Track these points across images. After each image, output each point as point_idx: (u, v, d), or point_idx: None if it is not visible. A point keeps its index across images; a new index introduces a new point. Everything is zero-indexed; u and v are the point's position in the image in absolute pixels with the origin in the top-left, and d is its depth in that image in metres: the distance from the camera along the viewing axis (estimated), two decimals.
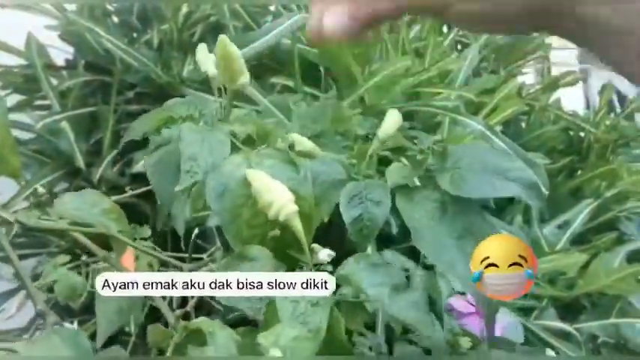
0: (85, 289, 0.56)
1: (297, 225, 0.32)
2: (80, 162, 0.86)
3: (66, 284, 0.56)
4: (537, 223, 0.91)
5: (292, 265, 0.33)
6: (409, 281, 0.38)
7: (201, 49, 0.43)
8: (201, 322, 0.31)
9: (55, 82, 0.91)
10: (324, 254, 0.33)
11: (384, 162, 0.41)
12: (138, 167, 0.77)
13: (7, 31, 0.88)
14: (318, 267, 0.33)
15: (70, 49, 0.95)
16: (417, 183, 0.38)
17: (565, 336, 0.80)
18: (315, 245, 0.34)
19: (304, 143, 0.39)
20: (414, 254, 0.57)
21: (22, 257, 0.58)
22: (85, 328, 0.78)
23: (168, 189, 0.36)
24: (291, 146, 0.38)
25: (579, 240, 0.94)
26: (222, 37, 0.35)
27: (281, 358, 0.26)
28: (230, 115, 0.40)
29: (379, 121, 0.44)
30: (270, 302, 0.31)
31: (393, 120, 0.41)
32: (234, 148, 0.36)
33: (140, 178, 0.80)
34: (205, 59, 0.42)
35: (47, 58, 0.93)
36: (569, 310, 0.87)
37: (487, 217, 0.36)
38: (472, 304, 0.30)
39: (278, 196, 0.32)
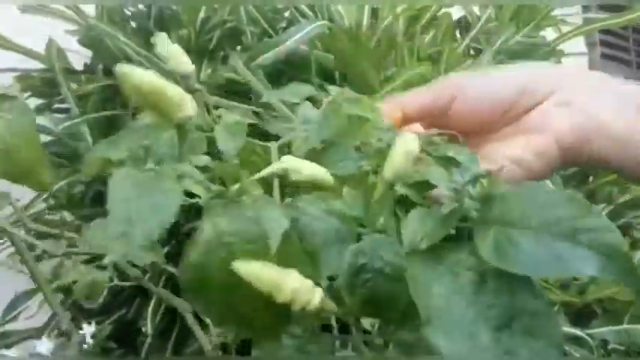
0: (105, 285, 0.56)
1: (333, 308, 0.27)
2: None
3: (85, 282, 0.56)
4: None
5: None
6: None
7: (162, 38, 0.35)
8: None
9: (74, 86, 0.92)
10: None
11: (403, 204, 0.29)
12: None
13: (27, 36, 0.90)
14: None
15: (89, 54, 0.97)
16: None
17: (576, 341, 0.81)
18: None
19: (304, 169, 0.28)
20: None
21: (41, 257, 0.59)
22: (102, 328, 0.79)
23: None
24: (283, 176, 0.28)
25: None
26: (121, 68, 0.27)
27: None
28: (186, 152, 0.30)
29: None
30: None
31: (402, 150, 0.27)
32: (205, 190, 0.27)
33: None
34: (173, 51, 0.35)
35: (66, 62, 0.95)
36: (580, 315, 0.87)
37: (544, 298, 0.24)
38: None
39: (297, 290, 0.25)
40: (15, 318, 0.77)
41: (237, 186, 0.27)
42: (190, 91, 0.33)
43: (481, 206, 0.26)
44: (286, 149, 0.34)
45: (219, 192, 0.27)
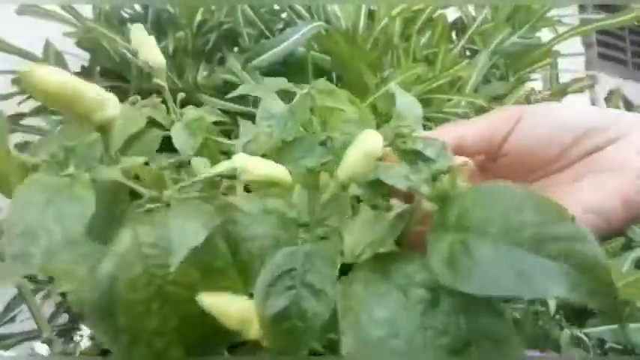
0: None
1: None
2: None
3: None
4: None
5: None
6: None
7: (137, 29, 0.33)
8: None
9: None
10: None
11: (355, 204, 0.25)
12: None
13: (25, 38, 0.90)
14: None
15: (86, 56, 0.97)
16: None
17: (574, 340, 0.81)
18: None
19: (258, 169, 0.25)
20: None
21: None
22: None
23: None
24: (233, 176, 0.25)
25: None
26: (27, 68, 0.24)
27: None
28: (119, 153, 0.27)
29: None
30: None
31: (362, 149, 0.24)
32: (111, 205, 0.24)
33: None
34: (143, 42, 0.33)
35: (64, 64, 0.95)
36: (577, 315, 0.87)
37: (506, 318, 0.20)
38: None
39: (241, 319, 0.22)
40: (12, 320, 0.77)
41: (169, 191, 0.24)
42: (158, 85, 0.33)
43: (439, 208, 0.22)
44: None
45: (150, 197, 0.24)
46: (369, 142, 0.24)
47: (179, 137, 0.31)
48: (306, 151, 0.28)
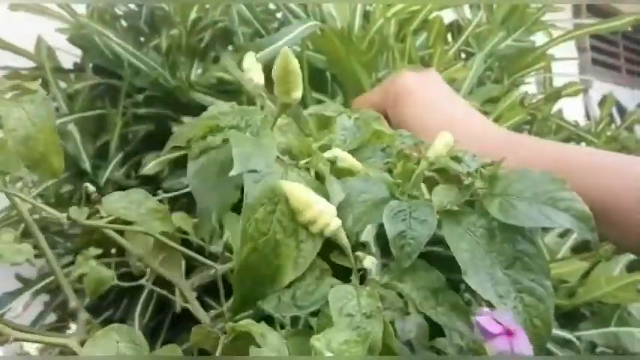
0: (111, 282, 0.56)
1: (343, 238, 0.32)
2: (86, 164, 0.87)
3: (95, 277, 0.55)
4: (539, 231, 0.92)
5: (338, 272, 0.33)
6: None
7: (249, 56, 0.42)
8: (249, 324, 0.30)
9: (63, 84, 0.92)
10: (369, 262, 0.33)
11: (428, 183, 0.38)
12: (147, 170, 0.77)
13: (17, 34, 0.89)
14: (363, 273, 0.33)
15: (79, 53, 0.96)
16: (463, 208, 0.36)
17: (565, 343, 0.81)
18: (360, 253, 0.34)
19: (347, 159, 0.38)
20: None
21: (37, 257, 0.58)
22: (90, 328, 0.79)
23: (208, 196, 0.35)
24: (333, 162, 0.37)
25: (580, 248, 0.95)
26: (285, 50, 0.34)
27: (334, 358, 0.27)
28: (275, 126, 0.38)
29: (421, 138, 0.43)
30: (323, 308, 0.31)
31: (444, 141, 0.39)
32: (277, 160, 0.34)
33: (148, 181, 0.81)
34: (254, 67, 0.42)
35: (56, 61, 0.94)
36: (569, 317, 0.87)
37: (536, 244, 0.34)
38: (500, 324, 0.30)
39: (322, 211, 0.31)
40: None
41: (306, 160, 0.36)
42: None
43: (487, 184, 0.36)
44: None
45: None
46: (447, 138, 0.39)
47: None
48: (371, 154, 0.41)
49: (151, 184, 0.81)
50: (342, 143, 0.42)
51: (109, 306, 0.81)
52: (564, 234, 0.94)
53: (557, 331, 0.82)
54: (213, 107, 0.39)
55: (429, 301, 0.32)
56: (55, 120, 0.37)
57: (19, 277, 0.82)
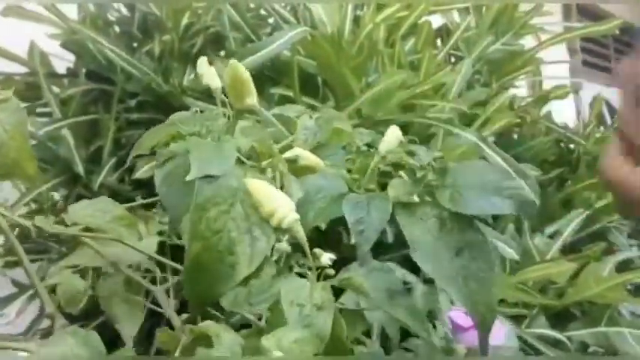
0: (87, 293, 0.56)
1: (300, 232, 0.33)
2: (80, 168, 0.87)
3: (68, 288, 0.56)
4: (529, 232, 0.93)
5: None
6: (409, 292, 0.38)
7: (202, 62, 0.44)
8: (207, 325, 0.32)
9: (56, 89, 0.92)
10: (326, 258, 0.35)
11: (384, 176, 0.42)
12: (140, 174, 0.78)
13: (10, 39, 0.90)
14: (320, 270, 0.34)
15: (72, 58, 0.97)
16: (417, 199, 0.39)
17: (556, 344, 0.82)
18: (317, 250, 0.35)
19: (309, 157, 0.40)
20: (412, 265, 0.58)
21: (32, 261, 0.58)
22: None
23: (177, 201, 0.36)
24: (295, 161, 0.39)
25: (569, 249, 0.96)
26: (233, 62, 0.36)
27: (282, 358, 0.28)
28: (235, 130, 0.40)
29: (377, 133, 0.44)
30: (275, 305, 0.32)
31: (394, 135, 0.42)
32: (238, 162, 0.35)
33: (141, 185, 0.82)
34: (207, 72, 0.43)
35: (49, 66, 0.95)
36: (559, 318, 0.88)
37: (484, 232, 0.36)
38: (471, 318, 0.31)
39: (280, 205, 0.33)
40: None
41: (267, 161, 0.37)
42: None
43: (439, 176, 0.39)
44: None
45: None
46: (397, 131, 0.42)
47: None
48: (332, 152, 0.44)
49: (144, 188, 0.82)
50: (304, 142, 0.44)
51: (103, 312, 0.81)
52: (553, 235, 0.95)
53: (547, 331, 0.83)
54: (174, 115, 0.41)
55: (384, 300, 0.35)
56: (27, 127, 0.38)
57: (15, 283, 0.82)
